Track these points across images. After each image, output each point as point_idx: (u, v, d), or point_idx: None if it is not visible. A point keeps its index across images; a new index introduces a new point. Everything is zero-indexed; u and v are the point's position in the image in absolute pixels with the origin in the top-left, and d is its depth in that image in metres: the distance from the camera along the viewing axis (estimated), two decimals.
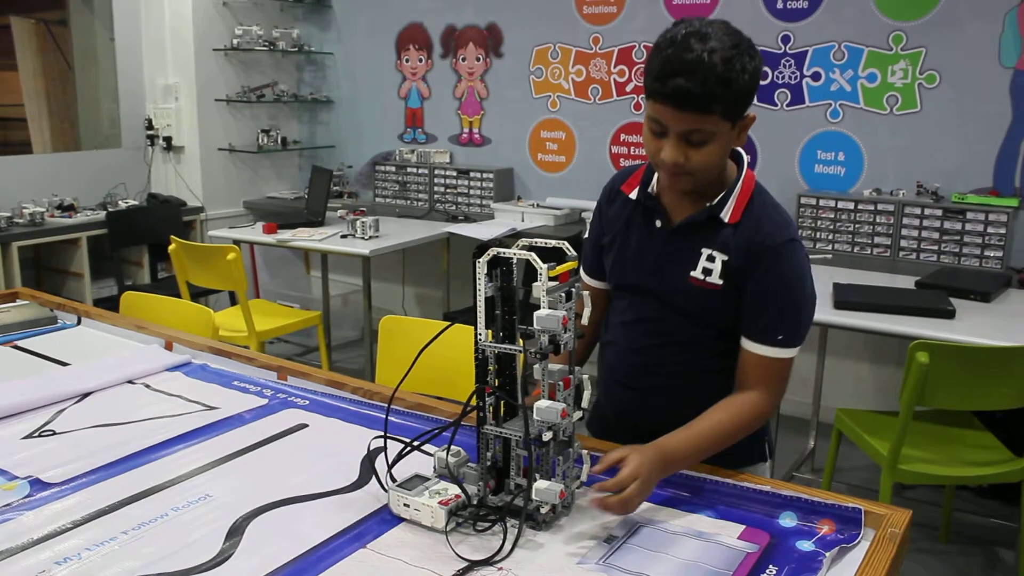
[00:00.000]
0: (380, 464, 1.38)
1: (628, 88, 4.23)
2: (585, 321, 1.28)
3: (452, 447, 1.31)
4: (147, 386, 1.83)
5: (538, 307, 1.22)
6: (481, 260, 1.23)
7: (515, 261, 1.27)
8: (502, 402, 1.29)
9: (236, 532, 1.23)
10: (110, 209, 4.51)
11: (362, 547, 1.20)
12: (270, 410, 1.70)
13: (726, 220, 1.44)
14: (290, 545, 1.19)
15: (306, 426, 1.64)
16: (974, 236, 3.36)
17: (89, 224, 4.34)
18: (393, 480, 1.30)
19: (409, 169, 4.82)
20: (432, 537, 1.22)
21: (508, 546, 1.18)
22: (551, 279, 1.21)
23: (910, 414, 2.37)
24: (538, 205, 4.36)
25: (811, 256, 3.56)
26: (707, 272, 1.45)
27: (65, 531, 1.23)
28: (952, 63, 3.45)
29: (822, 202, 3.67)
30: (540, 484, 1.22)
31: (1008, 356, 2.32)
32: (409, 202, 4.84)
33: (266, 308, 4.14)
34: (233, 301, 4.24)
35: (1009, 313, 2.83)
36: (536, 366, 1.23)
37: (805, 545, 1.21)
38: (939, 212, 3.42)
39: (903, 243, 3.51)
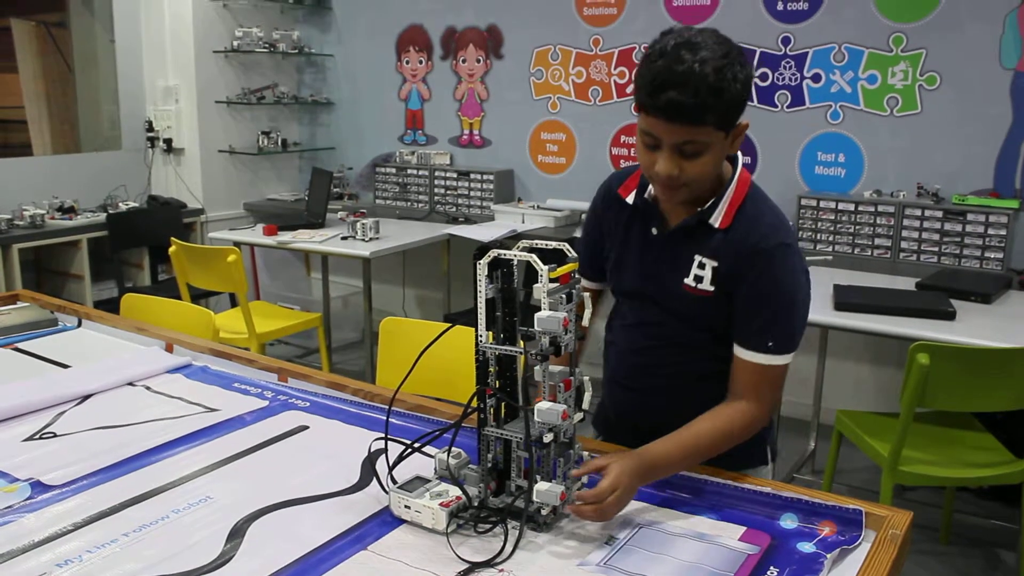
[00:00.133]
0: (381, 466, 1.38)
1: (628, 90, 4.23)
2: (586, 323, 1.28)
3: (453, 449, 1.31)
4: (148, 388, 1.83)
5: (539, 308, 1.22)
6: (482, 262, 1.23)
7: (516, 263, 1.27)
8: (503, 404, 1.29)
9: (237, 534, 1.23)
10: (110, 211, 4.51)
11: (363, 549, 1.20)
12: (271, 412, 1.70)
13: (716, 225, 1.43)
14: (291, 547, 1.19)
15: (307, 428, 1.64)
16: (975, 238, 3.36)
17: (89, 226, 4.33)
18: (394, 482, 1.30)
19: (409, 171, 4.82)
20: (433, 539, 1.22)
21: (509, 548, 1.18)
22: (552, 280, 1.21)
23: (911, 415, 2.37)
24: (538, 207, 4.36)
25: (811, 257, 3.58)
26: (698, 279, 1.45)
27: (66, 533, 1.23)
28: (952, 64, 3.45)
29: (822, 203, 3.67)
30: (541, 486, 1.22)
31: (1009, 357, 2.32)
32: (409, 204, 4.85)
33: (266, 310, 4.14)
34: (233, 303, 4.24)
35: (1010, 315, 2.83)
36: (537, 368, 1.23)
37: (806, 547, 1.21)
38: (939, 214, 3.42)
39: (903, 244, 3.51)
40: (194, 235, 4.82)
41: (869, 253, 3.58)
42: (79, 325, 2.29)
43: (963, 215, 3.37)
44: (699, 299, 1.45)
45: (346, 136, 5.23)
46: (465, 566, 1.14)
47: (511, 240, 3.99)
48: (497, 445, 1.29)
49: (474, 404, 1.28)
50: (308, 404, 1.74)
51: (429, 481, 1.30)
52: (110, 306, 3.76)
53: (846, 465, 3.34)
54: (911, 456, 2.47)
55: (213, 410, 1.71)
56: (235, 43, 4.82)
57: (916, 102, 3.55)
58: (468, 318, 1.30)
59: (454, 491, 1.27)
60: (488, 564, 1.15)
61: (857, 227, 3.60)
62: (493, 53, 4.63)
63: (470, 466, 1.32)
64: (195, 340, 2.08)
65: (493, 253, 1.24)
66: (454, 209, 4.67)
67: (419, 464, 1.36)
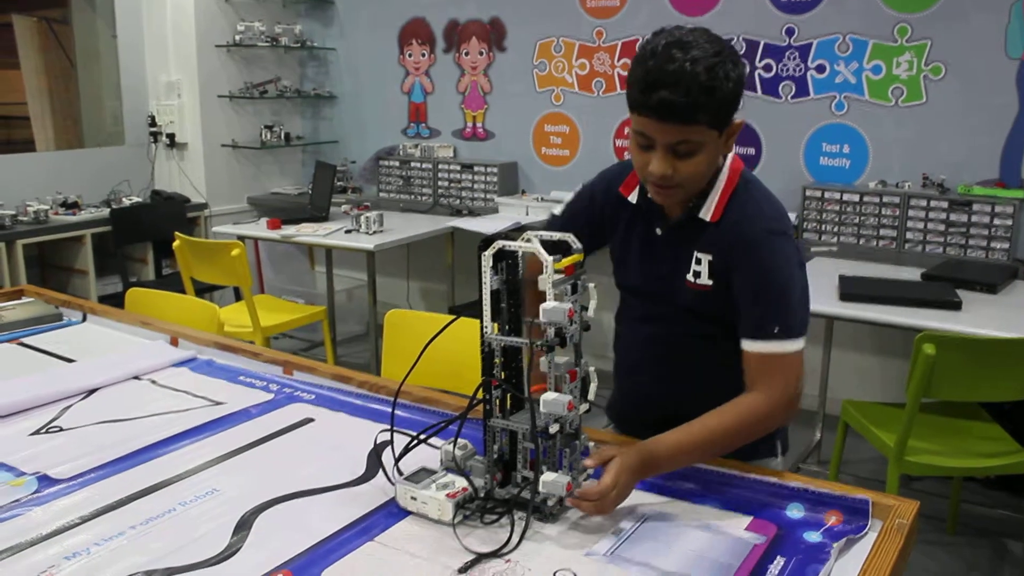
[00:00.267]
0: (387, 457, 1.38)
1: None
2: (591, 313, 1.28)
3: (459, 440, 1.31)
4: (153, 382, 1.83)
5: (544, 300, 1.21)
6: (487, 253, 1.23)
7: (520, 254, 1.26)
8: (508, 395, 1.29)
9: (244, 526, 1.23)
10: (114, 206, 4.51)
11: (369, 540, 1.20)
12: (276, 405, 1.71)
13: (707, 219, 1.43)
14: (297, 539, 1.19)
15: (312, 420, 1.64)
16: (980, 228, 3.35)
17: (93, 221, 4.34)
18: (400, 473, 1.30)
19: (413, 164, 4.82)
20: (439, 530, 1.22)
21: (515, 538, 1.18)
22: (557, 272, 1.21)
23: (916, 406, 2.36)
24: (542, 199, 4.36)
25: (816, 248, 3.57)
26: (697, 274, 1.45)
27: (73, 527, 1.23)
28: (958, 54, 3.43)
29: (827, 194, 3.65)
30: (547, 476, 1.22)
31: (1014, 347, 2.32)
32: (413, 197, 4.84)
33: (271, 304, 4.15)
34: (238, 297, 4.24)
35: (1015, 305, 2.82)
36: (542, 359, 1.23)
37: (812, 536, 1.21)
38: (945, 204, 3.41)
39: (909, 235, 3.50)
40: (198, 229, 4.83)
41: (874, 244, 3.57)
42: (84, 320, 2.29)
43: (968, 205, 3.36)
44: (701, 294, 1.45)
45: (349, 130, 5.22)
46: (471, 557, 1.14)
47: (515, 232, 3.99)
48: (503, 436, 1.29)
49: (480, 395, 1.28)
50: (313, 397, 1.74)
51: (435, 472, 1.30)
52: (115, 301, 3.77)
53: (852, 456, 3.34)
54: (917, 446, 2.46)
55: (219, 403, 1.71)
56: (237, 37, 4.81)
57: (921, 92, 3.53)
58: (473, 310, 1.29)
59: (460, 482, 1.27)
60: (494, 555, 1.15)
61: (862, 218, 3.59)
62: (496, 45, 4.62)
63: (476, 457, 1.32)
64: (200, 334, 2.09)
65: (498, 244, 1.23)
66: (458, 202, 4.67)
67: (425, 455, 1.36)
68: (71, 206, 4.39)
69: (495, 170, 4.53)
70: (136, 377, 1.85)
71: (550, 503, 1.24)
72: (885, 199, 3.53)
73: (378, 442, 1.47)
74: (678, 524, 1.25)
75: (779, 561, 1.15)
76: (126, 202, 4.62)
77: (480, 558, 1.14)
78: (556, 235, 1.29)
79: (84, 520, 1.25)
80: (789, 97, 3.82)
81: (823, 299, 2.75)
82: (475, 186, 4.61)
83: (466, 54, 4.73)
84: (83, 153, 5.03)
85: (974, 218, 3.36)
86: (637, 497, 1.29)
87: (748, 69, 3.86)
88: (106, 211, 4.43)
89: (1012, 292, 2.97)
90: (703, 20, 3.86)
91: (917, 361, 2.32)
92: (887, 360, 3.78)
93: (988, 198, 3.33)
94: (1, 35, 5.59)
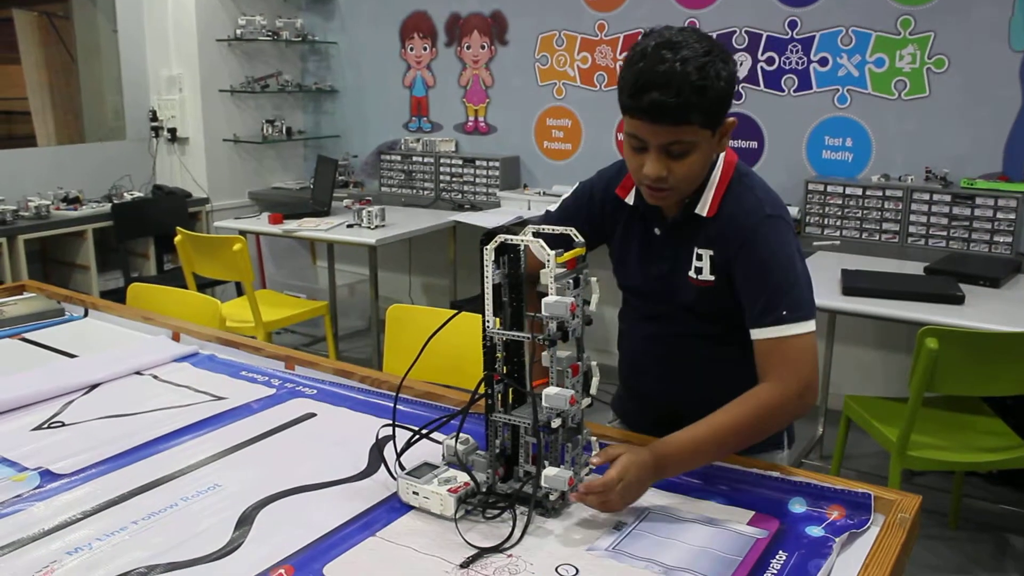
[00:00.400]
0: (389, 452, 1.38)
1: None
2: (593, 307, 1.27)
3: (461, 435, 1.31)
4: (155, 377, 1.83)
5: (546, 294, 1.21)
6: (488, 247, 1.23)
7: (522, 248, 1.26)
8: (510, 389, 1.28)
9: (245, 521, 1.23)
10: (115, 201, 4.51)
11: (371, 535, 1.20)
12: (278, 400, 1.70)
13: (704, 215, 1.43)
14: (299, 533, 1.19)
15: (314, 415, 1.64)
16: (983, 222, 3.34)
17: (95, 216, 4.34)
18: (402, 468, 1.30)
19: (415, 158, 4.81)
20: (441, 525, 1.22)
21: (517, 533, 1.18)
22: (559, 266, 1.21)
23: (919, 400, 2.36)
24: (544, 193, 4.35)
25: (818, 242, 3.57)
26: (698, 271, 1.45)
27: (75, 522, 1.23)
28: (961, 47, 3.42)
29: (830, 188, 3.65)
30: (549, 471, 1.22)
31: (1017, 342, 2.31)
32: (415, 191, 4.84)
33: (273, 298, 4.15)
34: (240, 292, 4.25)
35: (1018, 299, 2.82)
36: (544, 353, 1.23)
37: (815, 531, 1.21)
38: (948, 198, 3.40)
39: (912, 229, 3.49)
40: (199, 224, 4.83)
41: (877, 238, 3.57)
42: (86, 315, 2.29)
43: (972, 199, 3.35)
44: (704, 290, 1.45)
45: (351, 124, 5.22)
46: (473, 552, 1.14)
47: (517, 226, 3.98)
48: (505, 431, 1.28)
49: (482, 390, 1.27)
50: (315, 392, 1.74)
51: (437, 467, 1.30)
52: (116, 296, 3.76)
53: (854, 450, 3.34)
54: (920, 441, 2.46)
55: (220, 398, 1.71)
56: (238, 31, 4.81)
57: (924, 85, 3.52)
58: (475, 305, 1.29)
59: (462, 477, 1.27)
60: (496, 549, 1.15)
61: (865, 212, 3.58)
62: (498, 39, 4.61)
63: (478, 452, 1.32)
64: (202, 329, 2.08)
65: (500, 238, 1.23)
66: (460, 196, 4.66)
67: (427, 450, 1.35)
68: (72, 201, 4.39)
69: (497, 164, 4.53)
70: (138, 372, 1.85)
71: (552, 498, 1.24)
72: (888, 193, 3.52)
73: (380, 437, 1.47)
74: (680, 519, 1.24)
75: (781, 556, 1.15)
76: (127, 197, 4.62)
77: (482, 553, 1.14)
78: (558, 229, 1.28)
79: (86, 515, 1.25)
80: (792, 90, 3.81)
81: (825, 293, 2.75)
82: (477, 180, 4.61)
83: (468, 48, 4.72)
84: (84, 148, 5.03)
85: (977, 212, 3.35)
86: None
87: (750, 62, 3.85)
88: (107, 206, 4.43)
89: (1015, 286, 2.97)
90: (705, 13, 3.85)
91: (919, 355, 2.31)
92: (889, 355, 3.77)
93: (991, 192, 3.32)
94: (2, 30, 5.58)
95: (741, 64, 3.86)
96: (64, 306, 2.32)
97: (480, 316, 1.26)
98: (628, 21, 4.17)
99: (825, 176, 3.76)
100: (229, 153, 4.96)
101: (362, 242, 3.78)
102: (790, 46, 3.77)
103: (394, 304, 2.24)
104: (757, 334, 1.38)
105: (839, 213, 3.64)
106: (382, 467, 1.37)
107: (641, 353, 1.61)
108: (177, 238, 3.73)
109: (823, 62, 3.72)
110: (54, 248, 4.49)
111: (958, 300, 2.67)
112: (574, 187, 1.64)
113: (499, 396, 1.28)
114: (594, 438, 1.31)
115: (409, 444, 1.37)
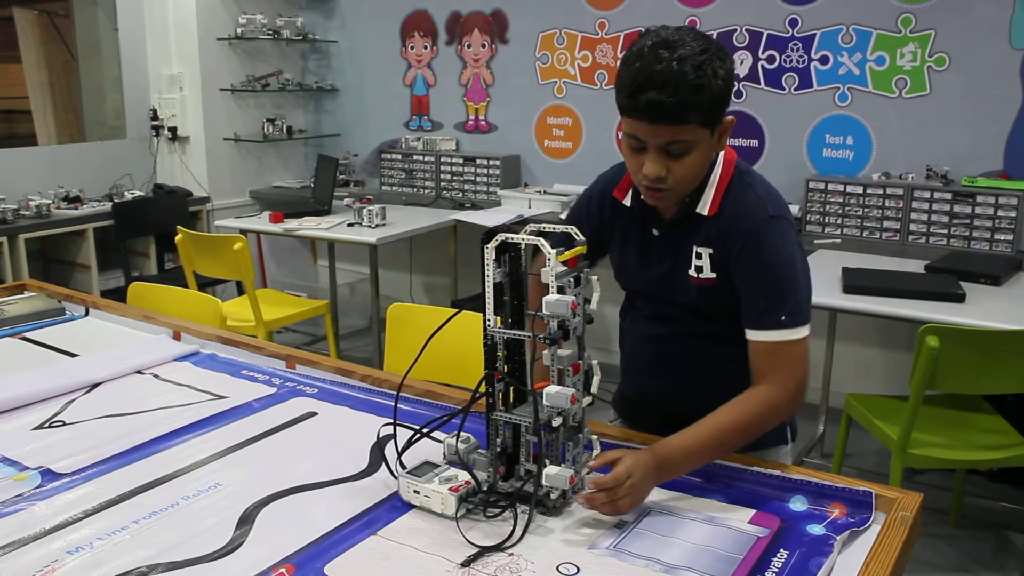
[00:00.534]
0: (390, 451, 1.38)
1: None
2: (594, 306, 1.27)
3: (462, 433, 1.31)
4: (156, 376, 1.83)
5: (547, 292, 1.21)
6: (489, 246, 1.22)
7: (523, 246, 1.26)
8: (511, 388, 1.28)
9: (247, 520, 1.23)
10: (116, 200, 4.51)
11: (372, 534, 1.20)
12: (279, 399, 1.70)
13: (704, 213, 1.43)
14: (300, 533, 1.19)
15: (315, 414, 1.64)
16: (984, 220, 3.34)
17: (95, 215, 4.34)
18: (403, 467, 1.30)
19: (415, 157, 4.81)
20: (442, 523, 1.22)
21: (518, 532, 1.18)
22: (560, 264, 1.21)
23: (920, 398, 2.36)
24: (545, 191, 4.35)
25: (820, 241, 3.56)
26: (699, 269, 1.45)
27: (76, 521, 1.23)
28: (962, 45, 3.42)
29: (831, 186, 3.64)
30: (550, 470, 1.22)
31: (1018, 340, 2.31)
32: (416, 190, 4.84)
33: (273, 297, 4.15)
34: (240, 291, 4.24)
35: (1019, 297, 2.81)
36: (546, 352, 1.23)
37: (816, 529, 1.21)
38: (949, 196, 3.40)
39: (912, 227, 3.49)
40: (200, 223, 4.82)
41: (878, 236, 3.56)
42: (86, 314, 2.29)
43: (972, 197, 3.35)
44: (705, 288, 1.45)
45: (351, 122, 5.22)
46: (474, 551, 1.14)
47: (518, 225, 3.99)
48: (506, 430, 1.28)
49: (483, 389, 1.27)
50: (316, 391, 1.74)
51: (438, 466, 1.30)
52: (117, 295, 3.76)
53: (855, 449, 3.34)
54: (921, 439, 2.46)
55: (221, 397, 1.71)
56: (239, 30, 4.81)
57: (925, 83, 3.52)
58: (475, 303, 1.29)
59: (463, 476, 1.27)
60: (497, 548, 1.15)
61: (866, 210, 3.58)
62: (498, 38, 4.61)
63: (479, 451, 1.31)
64: (203, 328, 2.08)
65: (501, 237, 1.23)
66: (460, 195, 4.66)
67: (428, 449, 1.35)
68: (73, 200, 4.39)
69: (498, 163, 4.53)
70: (139, 371, 1.85)
71: (553, 497, 1.24)
72: (889, 191, 3.52)
73: (381, 436, 1.47)
74: (681, 517, 1.24)
75: (782, 554, 1.15)
76: (128, 196, 4.62)
77: (483, 552, 1.14)
78: (559, 227, 1.28)
79: (87, 514, 1.25)
80: (792, 89, 3.81)
81: (826, 292, 2.75)
82: (478, 179, 4.61)
83: (468, 46, 4.71)
84: (85, 147, 5.03)
85: (978, 210, 3.34)
86: None
87: (751, 61, 3.85)
88: (108, 205, 4.43)
89: (1016, 284, 2.97)
90: (706, 11, 3.85)
91: (920, 353, 2.31)
92: (890, 353, 3.77)
93: (992, 190, 3.31)
94: (2, 29, 5.58)
95: (741, 62, 3.86)
96: (65, 305, 2.32)
97: (481, 315, 1.26)
98: (629, 19, 4.16)
99: (826, 174, 3.76)
100: (230, 152, 4.96)
101: (363, 241, 3.78)
102: (791, 44, 3.77)
103: (395, 303, 2.24)
104: (755, 335, 1.39)
105: (840, 211, 3.63)
106: (383, 466, 1.37)
107: (642, 352, 1.61)
108: (178, 237, 3.73)
109: (824, 60, 3.72)
110: (55, 247, 4.49)
111: (959, 298, 2.67)
112: (579, 196, 1.65)
113: (500, 395, 1.28)
114: (595, 437, 1.31)
115: (410, 443, 1.36)
